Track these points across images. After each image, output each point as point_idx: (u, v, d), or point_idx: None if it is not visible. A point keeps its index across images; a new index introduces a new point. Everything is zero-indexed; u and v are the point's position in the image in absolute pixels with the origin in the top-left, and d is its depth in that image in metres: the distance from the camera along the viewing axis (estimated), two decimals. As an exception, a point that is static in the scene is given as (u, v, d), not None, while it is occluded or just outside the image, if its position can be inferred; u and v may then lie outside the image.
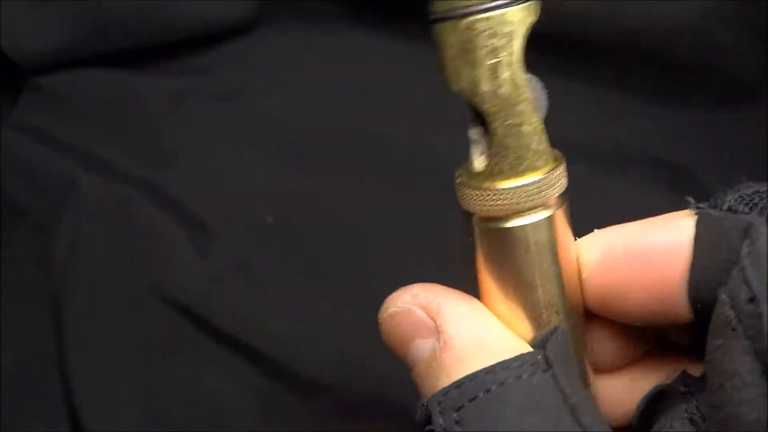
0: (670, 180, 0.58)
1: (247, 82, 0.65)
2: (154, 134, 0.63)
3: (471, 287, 0.26)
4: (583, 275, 0.25)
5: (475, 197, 0.24)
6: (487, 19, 0.22)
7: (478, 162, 0.24)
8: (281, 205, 0.58)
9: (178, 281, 0.56)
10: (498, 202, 0.23)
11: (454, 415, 0.22)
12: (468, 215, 0.25)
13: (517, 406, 0.21)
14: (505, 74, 0.22)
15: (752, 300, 0.20)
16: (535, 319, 0.25)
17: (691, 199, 0.24)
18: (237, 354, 0.53)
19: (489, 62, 0.22)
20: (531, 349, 0.23)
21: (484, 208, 0.24)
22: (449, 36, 0.22)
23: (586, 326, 0.27)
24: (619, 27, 0.59)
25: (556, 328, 0.24)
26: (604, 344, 0.27)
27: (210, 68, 0.66)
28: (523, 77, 0.23)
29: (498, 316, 0.25)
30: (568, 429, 0.21)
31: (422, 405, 0.23)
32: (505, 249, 0.24)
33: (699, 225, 0.23)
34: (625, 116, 0.61)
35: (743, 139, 0.59)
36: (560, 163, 0.25)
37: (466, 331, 0.23)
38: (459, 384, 0.22)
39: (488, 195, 0.23)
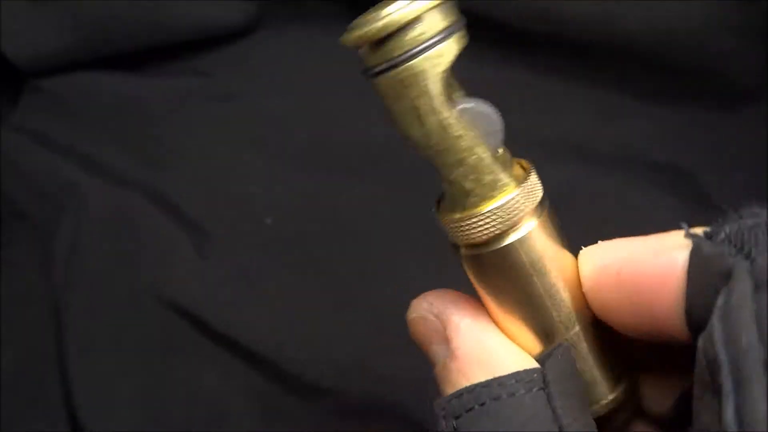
0: (669, 181, 0.58)
1: (247, 83, 0.65)
2: (154, 136, 0.63)
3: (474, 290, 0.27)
4: (583, 288, 0.25)
5: (446, 228, 0.25)
6: (396, 74, 0.22)
7: (442, 197, 0.25)
8: (281, 206, 0.59)
9: (178, 283, 0.56)
10: (464, 233, 0.24)
11: (453, 422, 0.23)
12: (451, 244, 0.26)
13: (507, 421, 0.23)
14: (430, 120, 0.23)
15: (716, 361, 0.19)
16: (537, 332, 0.25)
17: (684, 225, 0.23)
18: (236, 356, 0.53)
19: (412, 112, 0.23)
20: (532, 365, 0.24)
21: (455, 238, 0.25)
22: (376, 91, 0.23)
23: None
24: (618, 29, 0.59)
25: (558, 346, 0.25)
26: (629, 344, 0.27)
27: (210, 70, 0.66)
28: (450, 117, 0.23)
29: (503, 330, 0.25)
30: None
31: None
32: (489, 272, 0.25)
33: (691, 260, 0.22)
34: (624, 117, 0.61)
35: (743, 140, 0.59)
36: (525, 179, 0.24)
37: (469, 343, 0.25)
38: (459, 394, 0.24)
39: (453, 227, 0.24)
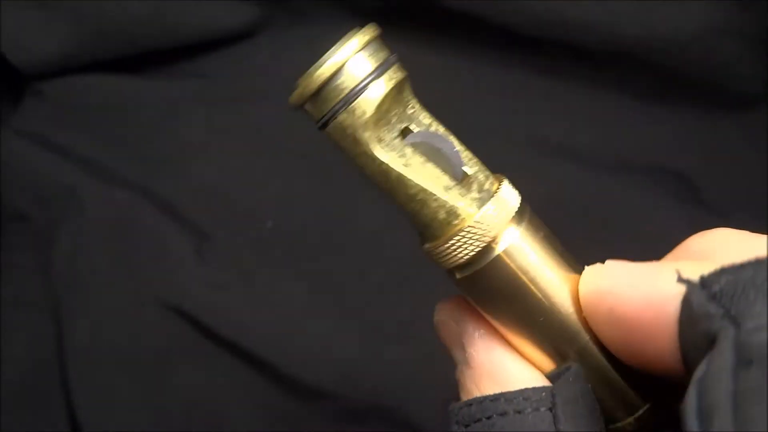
0: (670, 186, 0.58)
1: (248, 86, 0.65)
2: (155, 140, 0.63)
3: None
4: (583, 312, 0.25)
5: (429, 258, 0.25)
6: (330, 129, 0.24)
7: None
8: (281, 210, 0.59)
9: (179, 287, 0.56)
10: (443, 259, 0.24)
11: (463, 430, 0.24)
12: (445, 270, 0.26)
13: None
14: (369, 165, 0.24)
15: None
16: (546, 347, 0.25)
17: (678, 272, 0.21)
18: (237, 359, 0.53)
19: (355, 159, 0.24)
20: (542, 382, 0.24)
21: (439, 265, 0.25)
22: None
23: None
24: (619, 34, 0.59)
25: (569, 367, 0.24)
26: None
27: (210, 73, 0.66)
28: (388, 160, 0.23)
29: (514, 346, 0.25)
30: None
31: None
32: (484, 291, 0.24)
33: (682, 313, 0.21)
34: (625, 121, 0.61)
35: (743, 144, 0.60)
36: (494, 193, 0.24)
37: (482, 355, 0.25)
38: (469, 404, 0.24)
39: (430, 255, 0.25)
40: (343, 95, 0.23)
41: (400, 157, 0.24)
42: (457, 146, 0.24)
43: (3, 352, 0.54)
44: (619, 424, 0.26)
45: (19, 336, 0.55)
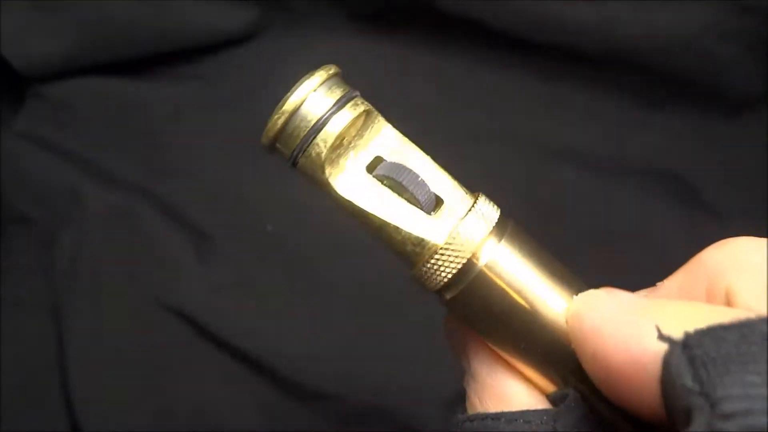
0: (670, 187, 0.58)
1: (248, 89, 0.65)
2: (155, 142, 0.63)
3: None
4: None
5: (416, 284, 0.25)
6: (297, 169, 0.24)
7: None
8: (281, 213, 0.59)
9: (180, 290, 0.56)
10: (426, 282, 0.24)
11: None
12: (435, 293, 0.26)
13: None
14: (335, 198, 0.24)
15: None
16: (544, 367, 0.24)
17: (657, 329, 0.20)
18: (238, 362, 0.53)
19: (326, 194, 0.24)
20: (543, 404, 0.24)
21: (425, 288, 0.25)
22: None
23: None
24: (618, 37, 0.59)
25: (570, 393, 0.23)
26: None
27: (210, 76, 0.66)
28: (346, 198, 0.24)
29: (513, 367, 0.25)
30: None
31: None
32: (470, 314, 0.24)
33: (663, 376, 0.19)
34: (626, 126, 0.61)
35: (743, 148, 0.60)
36: (468, 211, 0.24)
37: (484, 371, 0.25)
38: (472, 419, 0.24)
39: (417, 282, 0.25)
40: (297, 142, 0.24)
41: (364, 191, 0.24)
42: (427, 171, 0.24)
43: (3, 352, 0.54)
44: None
45: (20, 336, 0.55)
